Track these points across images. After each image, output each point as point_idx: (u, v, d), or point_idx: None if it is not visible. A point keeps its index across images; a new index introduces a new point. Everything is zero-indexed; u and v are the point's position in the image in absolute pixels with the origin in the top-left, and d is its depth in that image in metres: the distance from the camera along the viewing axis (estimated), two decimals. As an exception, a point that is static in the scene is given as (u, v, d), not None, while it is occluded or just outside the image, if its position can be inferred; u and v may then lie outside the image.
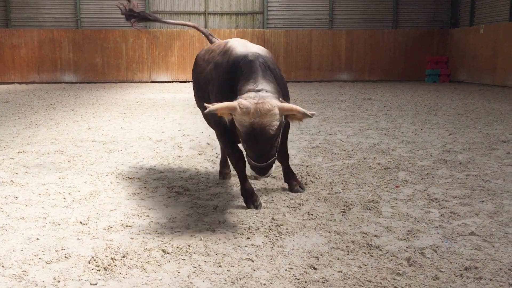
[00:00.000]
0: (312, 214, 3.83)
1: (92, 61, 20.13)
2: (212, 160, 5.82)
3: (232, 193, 4.48)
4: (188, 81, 20.46)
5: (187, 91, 16.19)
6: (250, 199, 4.00)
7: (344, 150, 6.31)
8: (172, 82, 20.40)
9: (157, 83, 20.05)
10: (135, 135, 7.56)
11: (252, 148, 3.43)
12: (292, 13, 20.67)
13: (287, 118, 3.49)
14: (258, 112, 3.29)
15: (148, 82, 20.47)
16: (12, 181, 4.83)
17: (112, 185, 4.74)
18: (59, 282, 2.73)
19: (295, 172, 4.74)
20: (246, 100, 3.35)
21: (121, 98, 13.62)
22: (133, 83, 20.00)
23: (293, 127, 5.52)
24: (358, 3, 20.76)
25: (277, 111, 3.34)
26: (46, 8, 20.21)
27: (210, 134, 7.59)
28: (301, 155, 6.03)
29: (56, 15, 20.25)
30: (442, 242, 3.24)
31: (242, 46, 4.12)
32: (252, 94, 3.41)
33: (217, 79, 4.05)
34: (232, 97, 3.52)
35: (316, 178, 4.95)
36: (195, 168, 5.43)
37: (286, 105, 3.43)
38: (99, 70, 20.30)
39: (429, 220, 3.66)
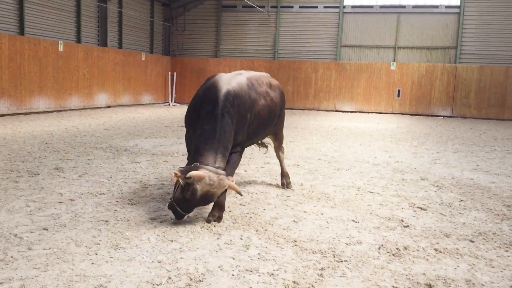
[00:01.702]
0: (562, 241, 4.17)
1: (284, 89, 22.00)
2: (437, 186, 6.37)
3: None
4: (373, 112, 21.12)
5: (375, 121, 16.86)
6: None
7: None
8: (356, 112, 21.26)
9: (341, 112, 21.13)
10: (352, 158, 8.47)
11: (193, 205, 4.11)
12: (487, 48, 20.00)
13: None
14: (219, 185, 4.05)
15: (333, 110, 21.66)
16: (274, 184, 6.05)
17: (357, 196, 5.64)
18: (361, 257, 3.61)
19: None
20: (211, 173, 4.02)
21: (317, 124, 14.88)
22: (319, 111, 21.39)
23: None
24: None
25: (227, 187, 4.16)
26: (249, 41, 22.90)
27: (422, 163, 8.14)
28: (527, 190, 6.23)
29: (256, 47, 22.80)
30: None
31: (223, 81, 4.69)
32: (213, 169, 4.07)
33: None
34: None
35: (553, 211, 5.18)
36: (426, 191, 6.05)
37: (231, 183, 4.18)
38: (289, 98, 22.15)
39: None
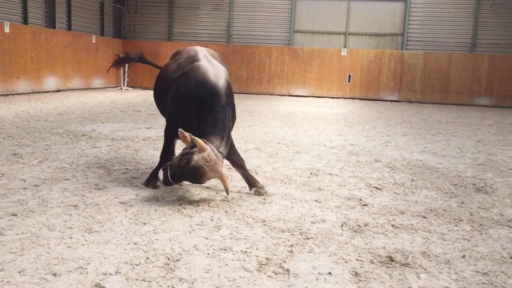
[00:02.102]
0: (503, 215, 4.60)
1: (238, 74, 22.16)
2: (390, 167, 6.75)
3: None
4: (325, 97, 21.64)
5: (328, 106, 17.34)
6: (151, 181, 5.00)
7: (511, 169, 6.86)
8: (309, 96, 21.70)
9: (294, 97, 21.51)
10: (309, 141, 8.76)
11: (182, 175, 4.29)
12: (432, 35, 20.90)
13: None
14: (213, 167, 4.21)
15: (286, 95, 22.00)
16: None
17: (318, 177, 5.90)
18: (326, 234, 3.85)
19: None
20: (212, 153, 4.21)
21: (272, 109, 15.13)
22: (273, 96, 21.67)
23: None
24: (504, 27, 20.37)
25: (219, 174, 4.31)
26: (203, 25, 22.75)
27: (375, 146, 8.54)
28: (471, 170, 6.73)
29: (211, 31, 22.69)
30: None
31: (213, 74, 4.72)
32: (215, 151, 4.29)
33: (183, 96, 4.71)
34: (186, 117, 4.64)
35: (494, 189, 5.65)
36: (380, 172, 6.41)
37: (224, 174, 4.37)
38: (243, 82, 22.29)
39: None
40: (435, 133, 10.71)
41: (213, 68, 4.82)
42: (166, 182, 4.37)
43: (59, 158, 6.22)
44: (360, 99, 21.45)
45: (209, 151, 4.21)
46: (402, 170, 6.56)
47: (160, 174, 4.38)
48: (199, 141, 4.19)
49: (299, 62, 21.91)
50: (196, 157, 4.17)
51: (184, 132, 4.25)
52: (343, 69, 21.58)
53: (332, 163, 6.84)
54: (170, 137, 5.01)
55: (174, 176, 4.33)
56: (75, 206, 4.25)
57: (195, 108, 4.62)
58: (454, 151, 8.29)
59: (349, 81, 21.58)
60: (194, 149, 4.22)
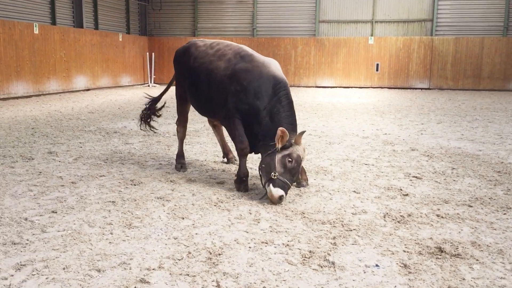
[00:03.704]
0: (554, 202, 4.38)
1: (264, 66, 21.96)
2: (428, 155, 6.55)
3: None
4: (353, 87, 21.30)
5: (356, 96, 17.05)
6: (242, 183, 4.70)
7: (556, 154, 6.57)
8: (337, 87, 21.41)
9: (321, 88, 21.26)
10: (340, 132, 8.60)
11: (293, 174, 4.32)
12: (463, 20, 20.30)
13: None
14: (304, 156, 4.52)
15: (313, 86, 21.76)
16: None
17: (354, 168, 5.77)
18: (368, 226, 3.73)
19: None
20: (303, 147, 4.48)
21: (300, 100, 14.97)
22: (300, 87, 21.46)
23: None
24: (538, 8, 19.61)
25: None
26: (227, 19, 22.67)
27: (409, 134, 8.32)
28: (514, 156, 6.47)
29: (235, 24, 22.60)
30: None
31: (275, 68, 4.78)
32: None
33: (246, 87, 4.67)
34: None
35: (541, 175, 5.41)
36: (418, 161, 6.22)
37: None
38: (269, 75, 22.12)
39: None
40: (471, 120, 10.39)
41: (272, 62, 4.84)
42: (287, 191, 4.27)
43: (93, 155, 6.26)
44: (389, 88, 21.04)
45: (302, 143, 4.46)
46: (441, 158, 6.35)
47: (275, 191, 4.17)
48: (299, 136, 4.37)
49: (325, 52, 21.62)
50: (300, 153, 4.36)
51: (286, 131, 4.25)
52: (371, 58, 21.20)
53: (367, 153, 6.68)
54: (240, 126, 4.77)
55: (290, 180, 4.30)
56: (113, 202, 4.24)
57: (264, 101, 4.58)
58: (493, 138, 8.00)
59: (377, 70, 21.19)
60: (290, 148, 4.32)
